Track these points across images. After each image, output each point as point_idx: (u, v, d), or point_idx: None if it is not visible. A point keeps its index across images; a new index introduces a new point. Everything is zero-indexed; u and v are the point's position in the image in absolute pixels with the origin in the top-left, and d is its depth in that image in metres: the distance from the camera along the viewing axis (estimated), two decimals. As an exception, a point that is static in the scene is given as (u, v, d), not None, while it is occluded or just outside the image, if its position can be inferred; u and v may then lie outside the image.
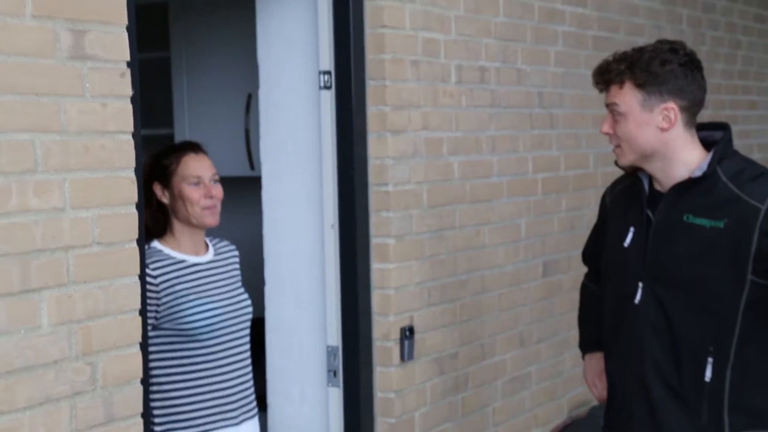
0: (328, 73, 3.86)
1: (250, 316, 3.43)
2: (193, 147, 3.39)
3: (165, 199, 3.33)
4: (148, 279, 3.16)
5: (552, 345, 4.98)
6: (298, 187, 3.99)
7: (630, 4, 5.57)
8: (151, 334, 3.21)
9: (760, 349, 2.85)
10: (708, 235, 2.82)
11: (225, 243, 3.54)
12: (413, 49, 4.03)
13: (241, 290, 3.45)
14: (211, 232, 3.53)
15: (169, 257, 3.29)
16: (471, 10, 4.36)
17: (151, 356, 3.21)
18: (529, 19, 4.75)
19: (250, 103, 4.71)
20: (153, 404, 3.24)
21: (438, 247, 4.18)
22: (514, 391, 4.71)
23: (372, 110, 3.92)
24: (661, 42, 2.93)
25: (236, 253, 3.55)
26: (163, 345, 3.25)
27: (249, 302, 3.44)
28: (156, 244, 3.32)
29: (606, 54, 5.23)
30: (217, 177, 3.37)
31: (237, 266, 3.51)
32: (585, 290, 3.44)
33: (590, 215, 5.24)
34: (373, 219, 3.94)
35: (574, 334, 5.13)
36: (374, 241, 3.94)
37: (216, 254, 3.44)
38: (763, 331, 2.84)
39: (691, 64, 2.88)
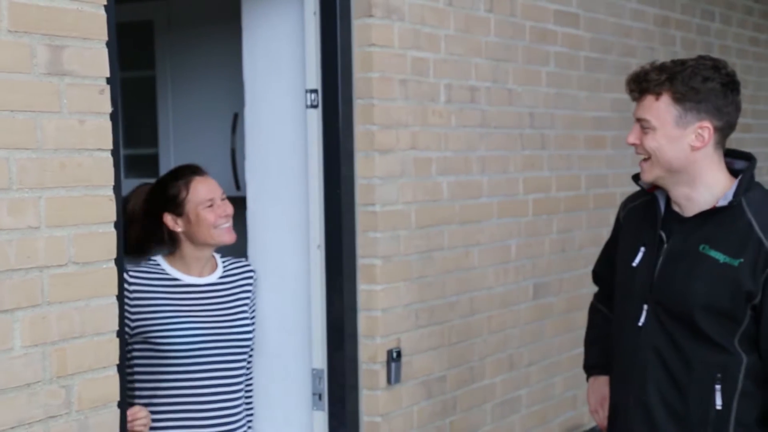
0: (315, 91, 3.82)
1: (246, 343, 3.40)
2: (195, 170, 3.39)
3: (178, 228, 3.32)
4: (125, 285, 3.13)
5: (542, 368, 4.92)
6: (284, 207, 3.94)
7: (623, 25, 5.53)
8: (137, 347, 3.23)
9: (760, 378, 2.80)
10: (720, 270, 2.75)
11: (241, 264, 3.53)
12: (402, 68, 3.98)
13: (243, 315, 3.41)
14: (228, 252, 3.51)
15: (162, 273, 3.29)
16: (461, 30, 4.32)
17: (137, 376, 3.25)
18: (521, 39, 4.71)
19: (236, 123, 4.66)
20: None
21: (426, 269, 4.12)
22: (504, 414, 4.64)
23: (359, 129, 3.87)
24: (703, 57, 2.84)
25: (251, 274, 3.53)
26: (145, 362, 3.25)
27: (248, 328, 3.40)
28: (159, 258, 3.34)
29: (598, 75, 5.26)
30: (224, 195, 3.39)
31: (248, 289, 3.49)
32: (593, 311, 3.34)
33: (582, 237, 5.20)
34: (360, 240, 3.89)
35: (566, 357, 5.11)
36: (361, 262, 3.89)
37: (224, 275, 3.41)
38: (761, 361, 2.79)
39: (732, 85, 2.81)
